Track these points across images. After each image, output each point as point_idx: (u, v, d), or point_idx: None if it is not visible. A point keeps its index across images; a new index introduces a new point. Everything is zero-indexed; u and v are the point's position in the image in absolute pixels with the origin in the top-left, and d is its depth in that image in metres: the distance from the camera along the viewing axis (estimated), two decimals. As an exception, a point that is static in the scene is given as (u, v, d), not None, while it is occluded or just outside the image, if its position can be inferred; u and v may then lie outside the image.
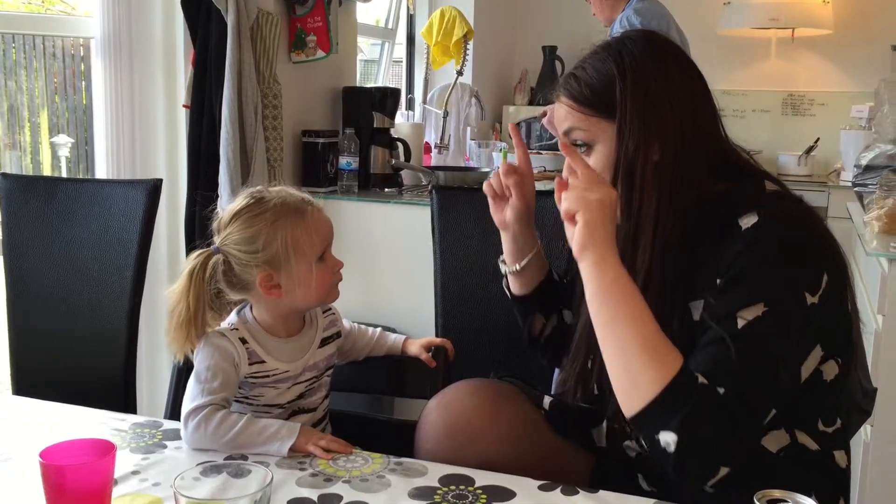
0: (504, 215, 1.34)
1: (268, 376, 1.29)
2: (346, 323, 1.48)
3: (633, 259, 1.13)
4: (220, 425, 1.17)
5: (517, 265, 1.38)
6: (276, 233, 1.24)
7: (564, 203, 1.09)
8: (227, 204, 2.27)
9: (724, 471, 1.01)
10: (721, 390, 1.00)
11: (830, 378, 1.13)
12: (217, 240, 1.27)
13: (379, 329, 1.51)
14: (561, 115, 1.20)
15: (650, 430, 1.02)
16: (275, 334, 1.31)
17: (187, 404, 1.21)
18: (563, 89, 1.19)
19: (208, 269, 1.24)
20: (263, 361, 1.28)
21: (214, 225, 1.30)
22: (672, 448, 0.99)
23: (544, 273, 1.41)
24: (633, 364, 1.03)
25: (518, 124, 4.27)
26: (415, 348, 1.48)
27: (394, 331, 1.57)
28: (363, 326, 1.50)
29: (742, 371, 1.02)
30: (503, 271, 1.41)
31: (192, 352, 1.26)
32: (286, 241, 1.24)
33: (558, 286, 1.44)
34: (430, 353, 1.48)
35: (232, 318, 1.32)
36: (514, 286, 1.42)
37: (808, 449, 1.13)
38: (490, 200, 1.36)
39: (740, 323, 1.03)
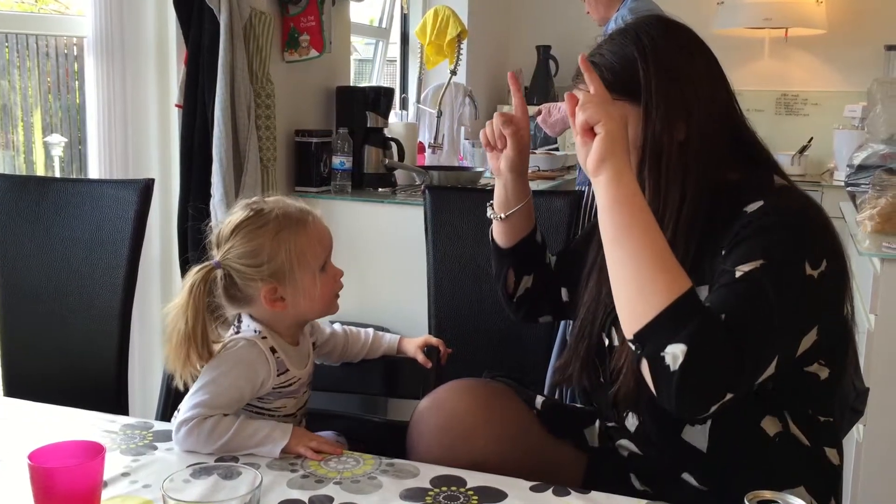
0: (499, 163, 1.33)
1: (291, 385, 1.28)
2: (336, 327, 1.48)
3: None
4: (212, 431, 1.16)
5: (503, 213, 1.37)
6: (280, 245, 1.23)
7: (583, 114, 1.05)
8: (220, 204, 2.29)
9: (728, 396, 0.97)
10: (723, 317, 0.99)
11: (823, 377, 1.13)
12: (217, 254, 1.25)
13: (371, 330, 1.51)
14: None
15: (656, 343, 0.97)
16: (288, 342, 1.30)
17: (184, 412, 1.18)
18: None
19: (208, 285, 1.22)
20: (288, 370, 1.27)
21: (212, 238, 1.27)
22: (679, 361, 0.95)
23: (528, 230, 1.40)
24: (644, 273, 1.00)
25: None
26: (411, 349, 1.48)
27: (387, 331, 1.57)
28: (355, 329, 1.50)
29: (740, 305, 1.01)
30: (489, 215, 1.40)
31: (196, 370, 1.21)
32: (290, 253, 1.23)
33: (540, 249, 1.43)
34: (425, 353, 1.48)
35: (251, 322, 1.28)
36: (497, 235, 1.42)
37: (801, 442, 1.13)
38: (486, 148, 1.35)
39: (738, 274, 1.03)
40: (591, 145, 1.05)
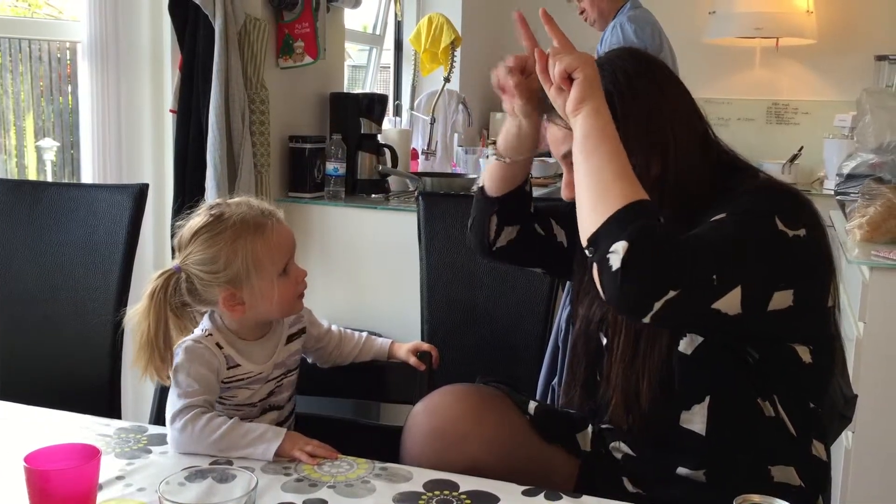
0: (512, 106, 1.26)
1: (242, 379, 1.30)
2: (333, 327, 1.49)
3: None
4: (205, 427, 1.18)
5: (508, 158, 1.32)
6: (237, 252, 1.24)
7: (560, 64, 1.09)
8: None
9: (671, 293, 0.98)
10: (675, 234, 1.02)
11: (807, 360, 1.15)
12: (178, 258, 1.28)
13: (365, 333, 1.51)
14: (558, 137, 1.21)
15: (605, 245, 1.00)
16: (245, 338, 1.32)
17: (171, 408, 1.21)
18: (556, 112, 1.18)
19: (169, 289, 1.25)
20: (239, 365, 1.30)
21: (175, 241, 1.30)
22: (621, 256, 0.98)
23: (523, 179, 1.38)
24: (602, 185, 1.04)
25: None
26: (402, 352, 1.49)
27: (379, 335, 1.57)
28: (349, 331, 1.50)
29: (697, 230, 1.05)
30: (493, 158, 1.35)
31: (157, 372, 1.24)
32: (247, 260, 1.25)
33: (528, 198, 1.41)
34: (417, 357, 1.49)
35: (205, 322, 1.32)
36: (492, 180, 1.37)
37: (788, 430, 1.15)
38: (497, 89, 1.28)
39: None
40: (567, 93, 1.09)
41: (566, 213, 1.45)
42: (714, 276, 1.00)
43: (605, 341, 1.26)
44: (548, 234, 1.43)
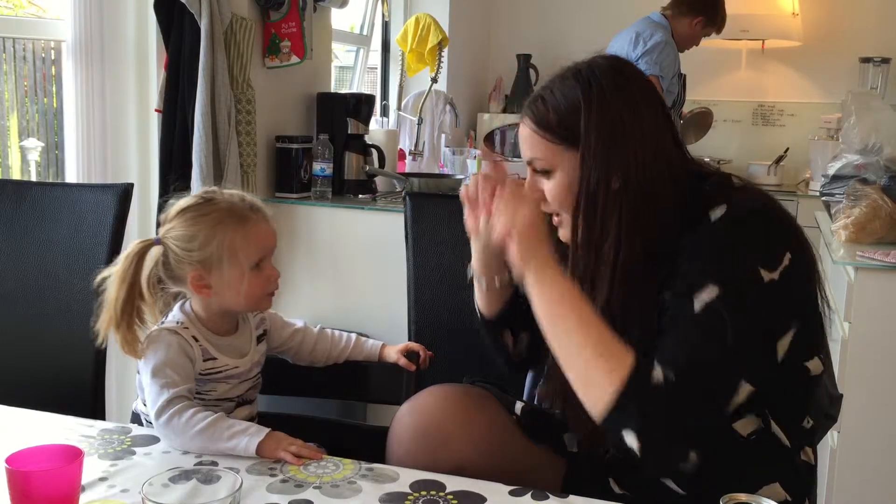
0: (478, 223, 1.21)
1: (220, 372, 1.33)
2: (315, 328, 1.49)
3: (591, 289, 1.15)
4: (190, 419, 1.19)
5: (498, 284, 1.31)
6: (215, 235, 1.28)
7: (497, 227, 1.14)
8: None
9: (694, 455, 1.04)
10: (672, 378, 1.02)
11: (816, 372, 1.15)
12: (160, 231, 1.31)
13: (354, 335, 1.52)
14: (525, 136, 1.20)
15: (615, 431, 1.06)
16: (215, 332, 1.34)
17: (155, 401, 1.22)
18: (529, 111, 1.19)
19: (146, 259, 1.28)
20: (215, 358, 1.32)
21: (161, 216, 1.34)
22: (636, 445, 1.04)
23: (511, 288, 1.35)
24: (588, 366, 1.07)
25: (493, 132, 4.28)
26: (393, 354, 1.50)
27: (366, 336, 1.57)
28: (336, 332, 1.51)
29: (700, 355, 1.04)
30: (475, 281, 1.34)
31: (120, 341, 1.27)
32: (222, 245, 1.28)
33: (525, 299, 1.35)
34: (406, 357, 1.49)
35: (177, 314, 1.34)
36: (485, 304, 1.37)
37: (780, 441, 1.15)
38: (466, 206, 1.24)
39: (697, 306, 1.05)
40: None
41: None
42: (724, 405, 1.05)
43: None
44: None
